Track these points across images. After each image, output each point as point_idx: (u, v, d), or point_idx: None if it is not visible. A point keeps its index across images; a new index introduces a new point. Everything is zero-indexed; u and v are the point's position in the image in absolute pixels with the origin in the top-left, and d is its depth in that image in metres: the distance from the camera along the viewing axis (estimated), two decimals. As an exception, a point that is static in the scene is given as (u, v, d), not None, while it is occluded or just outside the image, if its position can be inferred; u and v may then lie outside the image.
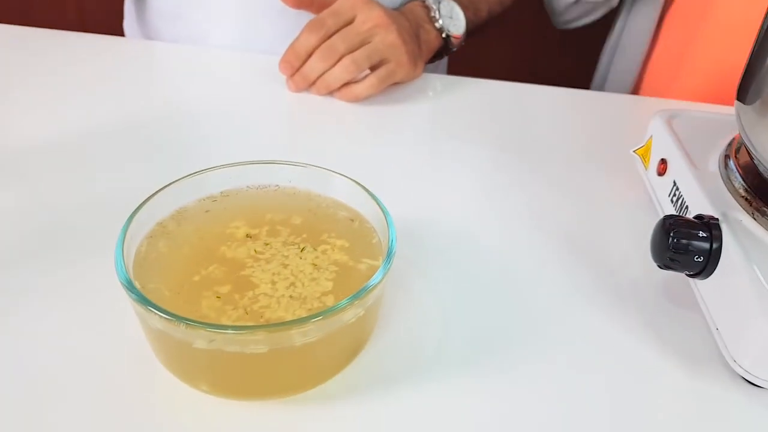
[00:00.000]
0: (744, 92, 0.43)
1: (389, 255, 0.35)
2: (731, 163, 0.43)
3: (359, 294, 0.33)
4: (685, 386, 0.39)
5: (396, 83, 0.68)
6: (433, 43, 0.73)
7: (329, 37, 0.65)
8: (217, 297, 0.35)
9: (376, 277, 0.34)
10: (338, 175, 0.42)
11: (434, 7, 0.72)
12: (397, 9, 0.72)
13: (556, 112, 0.69)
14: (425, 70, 0.72)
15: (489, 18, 0.82)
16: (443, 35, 0.73)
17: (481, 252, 0.47)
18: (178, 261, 0.37)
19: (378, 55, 0.65)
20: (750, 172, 0.42)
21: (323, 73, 0.65)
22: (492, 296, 0.44)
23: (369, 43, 0.65)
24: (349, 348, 0.36)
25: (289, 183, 0.43)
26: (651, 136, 0.51)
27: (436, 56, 0.75)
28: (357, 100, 0.66)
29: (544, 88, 0.73)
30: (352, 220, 0.41)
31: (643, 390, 0.39)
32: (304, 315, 0.34)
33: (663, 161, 0.48)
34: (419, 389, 0.37)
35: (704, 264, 0.39)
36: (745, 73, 0.43)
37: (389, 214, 0.38)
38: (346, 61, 0.64)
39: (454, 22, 0.73)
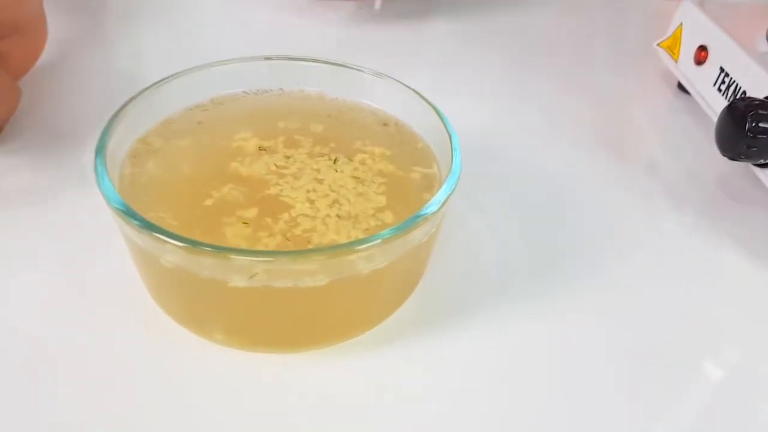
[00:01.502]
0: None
1: (456, 155, 0.28)
2: None
3: (431, 207, 0.25)
4: (752, 276, 0.35)
5: None
6: None
7: None
8: (244, 223, 0.27)
9: (449, 185, 0.27)
10: (359, 72, 0.33)
11: None
12: None
13: (560, 11, 0.62)
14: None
15: None
16: None
17: (513, 166, 0.41)
18: (178, 183, 0.28)
19: None
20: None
21: None
22: (539, 214, 0.37)
23: None
24: (414, 275, 0.29)
25: (296, 85, 0.34)
26: (680, 24, 0.46)
27: None
28: None
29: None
30: (385, 125, 0.33)
31: (714, 288, 0.34)
32: (362, 237, 0.26)
33: (702, 48, 0.43)
34: (483, 321, 0.30)
35: (786, 151, 0.35)
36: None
37: (440, 109, 0.31)
38: None
39: None
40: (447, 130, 0.29)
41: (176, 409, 0.26)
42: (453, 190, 0.26)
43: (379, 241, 0.24)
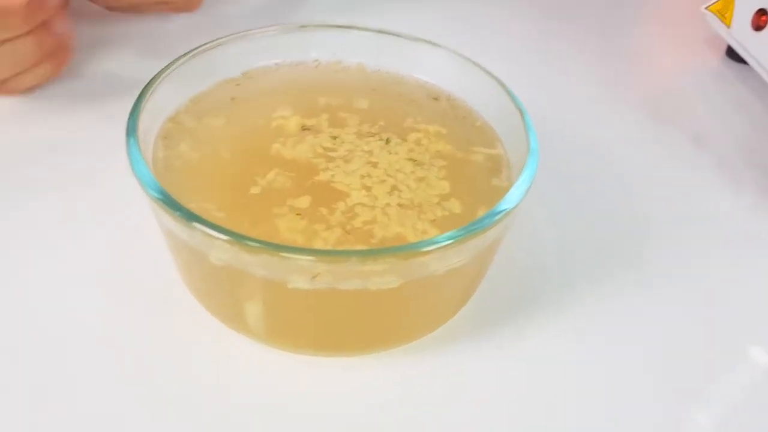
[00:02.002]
0: None
1: (531, 136, 0.25)
2: None
3: (512, 201, 0.23)
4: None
5: None
6: None
7: None
8: (297, 214, 0.24)
9: (528, 174, 0.24)
10: (404, 39, 0.30)
11: None
12: None
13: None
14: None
15: None
16: None
17: (560, 139, 0.38)
18: (218, 168, 0.25)
19: None
20: None
21: None
22: (592, 193, 0.35)
23: None
24: (484, 270, 0.26)
25: (333, 56, 0.31)
26: (730, -12, 0.43)
27: None
28: None
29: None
30: (436, 99, 0.30)
31: None
32: (430, 229, 0.24)
33: (763, 12, 0.40)
34: (548, 315, 0.28)
35: None
36: None
37: (503, 83, 0.28)
38: None
39: None
40: (516, 107, 0.26)
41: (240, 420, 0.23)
42: (533, 179, 0.24)
43: (460, 237, 0.21)
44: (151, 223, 0.24)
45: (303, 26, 0.30)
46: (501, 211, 0.22)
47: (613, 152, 0.37)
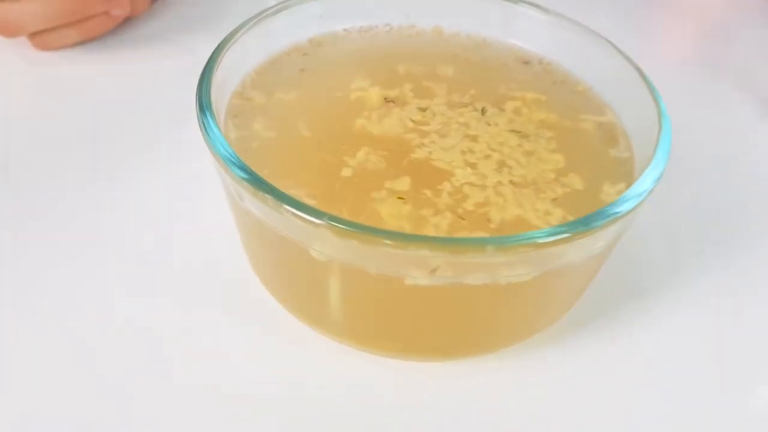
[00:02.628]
0: None
1: (656, 94, 0.22)
2: None
3: (648, 181, 0.19)
4: None
5: None
6: None
7: None
8: (399, 198, 0.20)
9: (664, 147, 0.20)
10: (485, -1, 0.27)
11: None
12: None
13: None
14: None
15: None
16: None
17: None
18: (300, 148, 0.22)
19: None
20: None
21: None
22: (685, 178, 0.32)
23: None
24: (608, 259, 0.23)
25: (406, 19, 0.28)
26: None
27: None
28: None
29: None
30: (527, 63, 0.27)
31: None
32: (554, 209, 0.20)
33: None
34: (658, 312, 0.25)
35: None
36: None
37: (610, 41, 0.24)
38: None
39: None
40: (633, 66, 0.23)
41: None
42: (669, 152, 0.20)
43: (608, 220, 0.18)
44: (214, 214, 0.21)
45: (371, -14, 0.27)
46: (641, 193, 0.19)
47: (709, 123, 0.34)
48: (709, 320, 0.25)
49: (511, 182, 0.21)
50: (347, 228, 0.17)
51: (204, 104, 0.20)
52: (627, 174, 0.22)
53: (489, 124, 0.23)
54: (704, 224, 0.28)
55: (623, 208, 0.18)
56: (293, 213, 0.17)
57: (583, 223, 0.18)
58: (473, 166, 0.22)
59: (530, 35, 0.27)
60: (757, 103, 0.35)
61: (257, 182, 0.18)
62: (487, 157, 0.22)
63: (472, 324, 0.20)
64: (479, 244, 0.17)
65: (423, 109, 0.24)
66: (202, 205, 0.26)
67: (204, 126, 0.19)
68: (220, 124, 0.22)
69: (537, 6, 0.26)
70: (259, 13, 0.24)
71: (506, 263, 0.18)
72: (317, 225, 0.17)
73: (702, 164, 0.31)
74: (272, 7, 0.25)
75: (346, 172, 0.21)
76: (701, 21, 0.43)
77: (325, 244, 0.18)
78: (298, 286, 0.21)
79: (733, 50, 0.40)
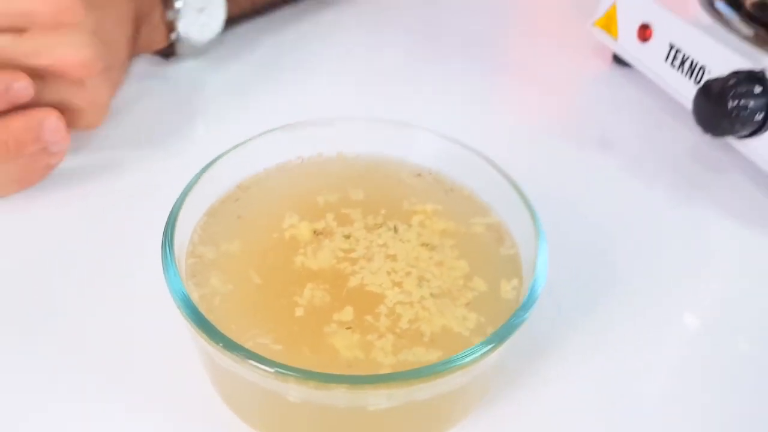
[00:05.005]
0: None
1: (530, 208, 0.28)
2: (720, 6, 0.42)
3: (540, 283, 0.25)
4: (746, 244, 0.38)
5: None
6: (155, 45, 0.45)
7: None
8: (347, 328, 0.25)
9: (542, 254, 0.26)
10: (376, 122, 0.32)
11: None
12: None
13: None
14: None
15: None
16: (172, 36, 0.45)
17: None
18: (256, 296, 0.26)
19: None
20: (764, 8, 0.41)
21: None
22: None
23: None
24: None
25: (314, 150, 0.32)
26: (614, 3, 0.48)
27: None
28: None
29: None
30: (419, 175, 0.32)
31: (703, 253, 0.37)
32: (468, 313, 0.26)
33: (645, 26, 0.45)
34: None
35: (763, 120, 0.38)
36: None
37: (481, 153, 0.30)
38: None
39: (204, 21, 0.45)
40: (502, 175, 0.29)
41: None
42: (544, 279, 0.26)
43: (498, 342, 0.23)
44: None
45: (284, 127, 0.31)
46: (516, 323, 0.24)
47: (522, 169, 0.41)
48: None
49: (431, 294, 0.27)
50: (321, 380, 0.21)
51: (175, 289, 0.24)
52: (516, 269, 0.28)
53: (402, 241, 0.29)
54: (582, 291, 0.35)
55: (525, 316, 0.24)
56: (278, 373, 0.22)
57: (499, 338, 0.23)
58: (399, 285, 0.27)
59: (418, 151, 0.32)
60: (622, 165, 0.43)
61: (242, 351, 0.22)
62: (408, 274, 0.27)
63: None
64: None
65: (347, 237, 0.29)
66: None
67: (185, 315, 0.23)
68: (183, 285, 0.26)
69: (420, 127, 0.32)
70: (194, 178, 0.28)
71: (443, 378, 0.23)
72: (292, 378, 0.22)
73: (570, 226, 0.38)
74: (202, 170, 0.29)
75: (299, 312, 0.26)
76: (556, 88, 0.50)
77: (296, 392, 0.22)
78: (280, 423, 0.25)
79: (591, 112, 0.48)
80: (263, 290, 0.26)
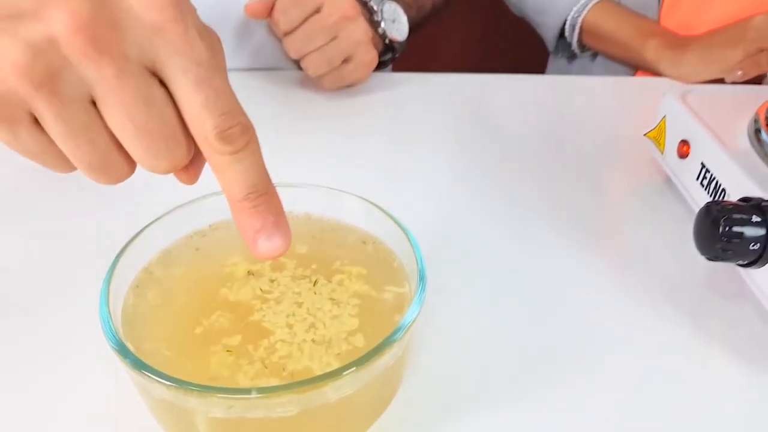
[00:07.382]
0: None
1: (422, 280, 0.31)
2: (765, 136, 0.40)
3: (398, 333, 0.28)
4: (743, 383, 0.36)
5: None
6: (377, 47, 0.66)
7: (294, 30, 0.61)
8: (228, 351, 0.30)
9: (413, 311, 0.29)
10: (342, 193, 0.37)
11: (377, 8, 0.66)
12: None
13: (540, 100, 0.66)
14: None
15: (433, 11, 0.79)
16: (385, 41, 0.67)
17: (499, 258, 0.43)
18: (173, 312, 0.32)
19: (345, 53, 0.62)
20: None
21: None
22: (525, 311, 0.40)
23: (336, 38, 0.61)
24: (387, 393, 0.31)
25: (286, 207, 0.38)
26: (664, 117, 0.48)
27: (380, 64, 0.68)
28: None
29: (517, 77, 0.69)
30: (364, 243, 0.36)
31: (699, 389, 0.35)
32: (333, 362, 0.29)
33: (684, 143, 0.45)
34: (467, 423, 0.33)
35: (761, 251, 0.36)
36: None
37: (410, 232, 0.33)
38: (315, 59, 0.61)
39: (397, 26, 0.67)
40: (414, 249, 0.32)
41: None
42: (418, 314, 0.29)
43: (347, 373, 0.26)
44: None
45: (259, 184, 0.37)
46: (374, 353, 0.27)
47: (557, 279, 0.42)
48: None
49: (313, 340, 0.30)
50: (162, 381, 0.26)
51: (103, 289, 0.30)
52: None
53: (315, 294, 0.33)
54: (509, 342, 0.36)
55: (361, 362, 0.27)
56: (141, 372, 0.27)
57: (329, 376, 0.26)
58: (291, 326, 0.31)
59: (367, 223, 0.36)
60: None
61: (120, 349, 0.28)
62: (304, 320, 0.31)
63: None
64: (242, 392, 0.26)
65: (272, 281, 0.33)
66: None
67: (99, 310, 0.29)
68: (121, 293, 0.32)
69: (371, 202, 0.36)
70: (172, 210, 0.35)
71: (274, 404, 0.26)
72: (147, 378, 0.26)
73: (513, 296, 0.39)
74: (183, 204, 0.35)
75: (198, 330, 0.31)
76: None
77: (156, 390, 0.27)
78: (156, 415, 0.30)
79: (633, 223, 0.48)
80: (181, 308, 0.32)
